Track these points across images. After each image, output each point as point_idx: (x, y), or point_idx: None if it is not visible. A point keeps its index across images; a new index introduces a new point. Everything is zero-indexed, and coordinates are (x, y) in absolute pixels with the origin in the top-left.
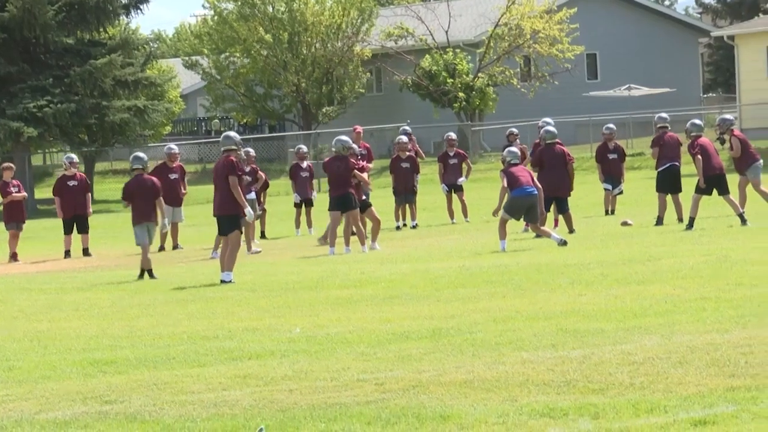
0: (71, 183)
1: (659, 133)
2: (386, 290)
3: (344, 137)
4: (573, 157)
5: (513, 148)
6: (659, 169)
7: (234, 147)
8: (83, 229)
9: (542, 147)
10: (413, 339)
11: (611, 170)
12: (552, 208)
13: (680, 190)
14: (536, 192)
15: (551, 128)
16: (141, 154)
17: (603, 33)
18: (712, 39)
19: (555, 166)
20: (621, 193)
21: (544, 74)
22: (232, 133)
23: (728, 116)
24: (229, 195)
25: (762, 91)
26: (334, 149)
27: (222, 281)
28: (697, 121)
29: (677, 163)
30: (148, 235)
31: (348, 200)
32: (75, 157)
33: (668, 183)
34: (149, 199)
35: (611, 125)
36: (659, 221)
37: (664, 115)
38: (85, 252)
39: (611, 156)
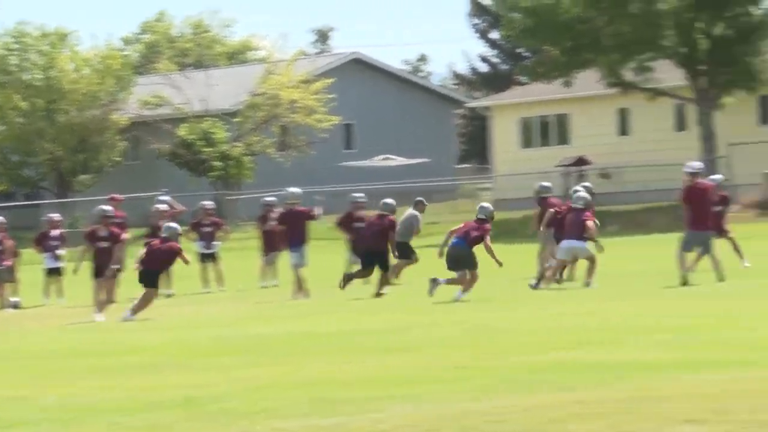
0: None
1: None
2: (141, 358)
3: (106, 206)
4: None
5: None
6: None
7: None
8: None
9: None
10: (166, 408)
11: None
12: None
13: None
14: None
15: (295, 189)
16: None
17: (360, 103)
18: (467, 110)
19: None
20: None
21: (300, 144)
22: None
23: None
24: None
25: (515, 162)
26: (96, 217)
27: None
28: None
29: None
30: None
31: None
32: None
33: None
34: None
35: (358, 194)
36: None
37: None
38: None
39: (358, 225)
